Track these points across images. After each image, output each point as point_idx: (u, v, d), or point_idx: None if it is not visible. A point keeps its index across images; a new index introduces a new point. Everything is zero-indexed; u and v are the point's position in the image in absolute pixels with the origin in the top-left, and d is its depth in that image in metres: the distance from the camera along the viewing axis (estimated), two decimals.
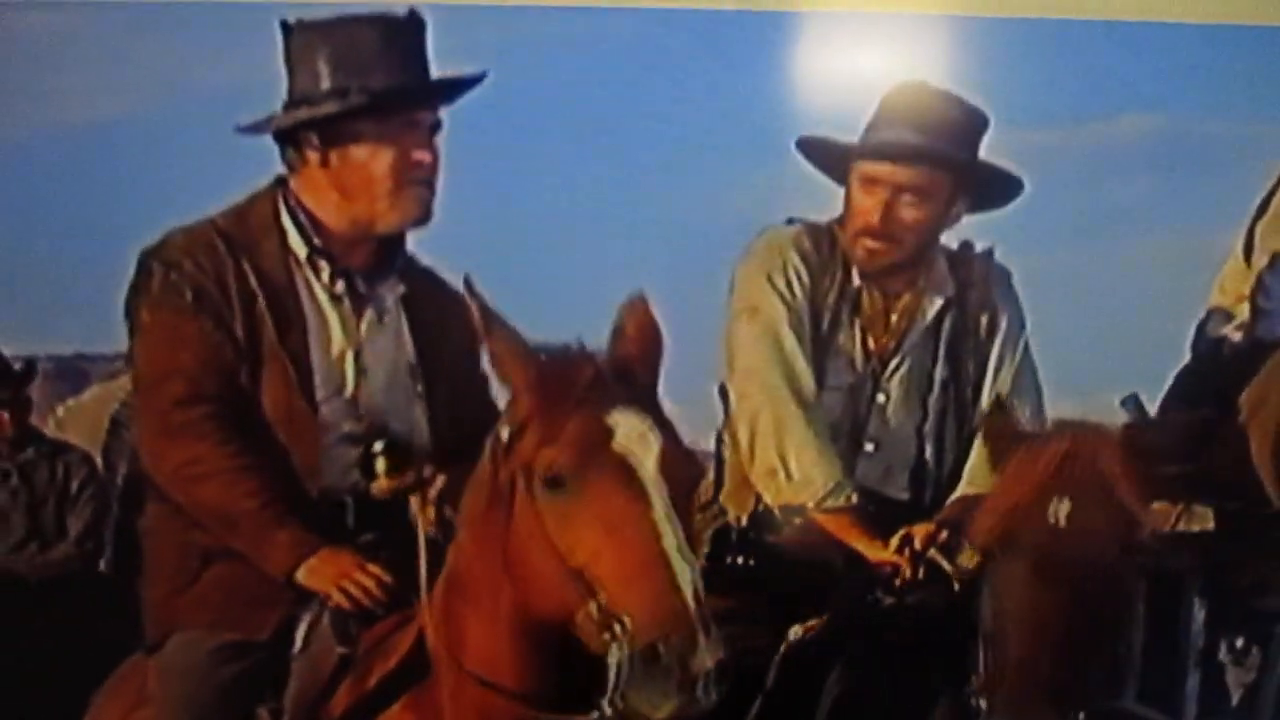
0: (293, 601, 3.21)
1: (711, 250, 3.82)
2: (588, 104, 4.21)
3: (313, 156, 3.32)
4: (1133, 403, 3.75)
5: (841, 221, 3.72)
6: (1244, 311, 4.05)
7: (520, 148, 4.14)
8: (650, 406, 2.93)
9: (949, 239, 3.76)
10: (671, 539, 2.77)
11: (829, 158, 3.74)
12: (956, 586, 3.43)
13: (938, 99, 3.69)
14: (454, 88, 3.42)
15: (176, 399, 3.23)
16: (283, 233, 3.33)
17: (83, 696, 3.54)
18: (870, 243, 3.65)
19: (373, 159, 3.30)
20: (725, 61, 4.23)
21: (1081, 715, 3.25)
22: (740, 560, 3.71)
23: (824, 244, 3.70)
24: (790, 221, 3.75)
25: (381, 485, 3.31)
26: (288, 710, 3.13)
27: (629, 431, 2.85)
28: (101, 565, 4.51)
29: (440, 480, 3.21)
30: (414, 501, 3.19)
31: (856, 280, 3.70)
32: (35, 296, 4.42)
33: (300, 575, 3.18)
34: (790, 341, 3.62)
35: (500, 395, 3.13)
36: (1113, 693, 3.61)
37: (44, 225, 4.41)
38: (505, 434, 2.91)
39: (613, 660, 2.73)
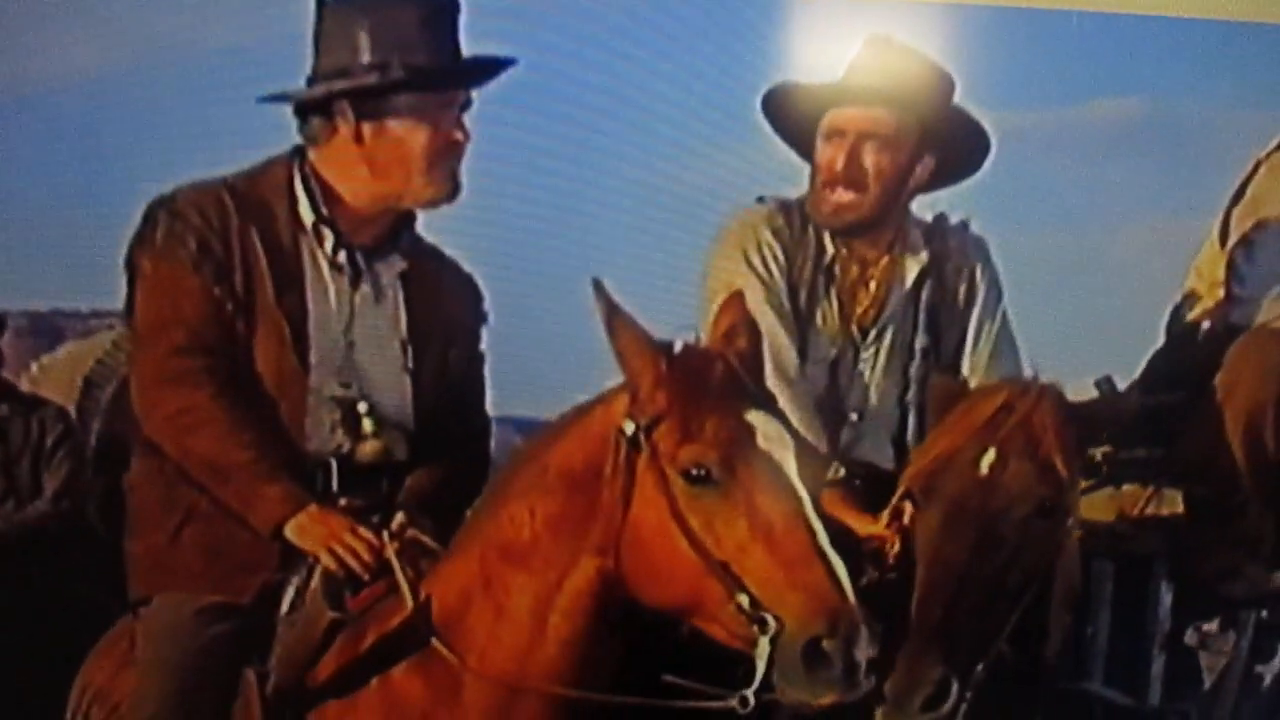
0: (275, 566, 3.21)
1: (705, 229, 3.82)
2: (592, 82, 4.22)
3: (345, 129, 3.32)
4: (1106, 385, 3.76)
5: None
6: (1219, 296, 4.07)
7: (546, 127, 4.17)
8: (775, 407, 3.00)
9: (924, 213, 3.76)
10: (824, 536, 2.82)
11: (797, 111, 3.72)
12: None
13: (904, 52, 3.70)
14: (490, 68, 3.44)
15: (176, 347, 3.25)
16: (293, 199, 3.34)
17: (58, 654, 3.54)
18: (835, 194, 3.64)
19: (410, 135, 3.31)
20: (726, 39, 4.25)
21: (980, 668, 3.17)
22: None
23: (796, 219, 3.70)
24: (761, 200, 3.75)
25: (366, 448, 3.34)
26: (274, 672, 3.13)
27: (768, 431, 2.90)
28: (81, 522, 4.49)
29: (401, 516, 3.23)
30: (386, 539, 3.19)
31: (830, 250, 3.69)
32: (10, 252, 4.40)
33: (289, 531, 3.19)
34: (770, 319, 3.60)
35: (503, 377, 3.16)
36: (1078, 674, 3.68)
37: (21, 181, 4.39)
38: (630, 428, 2.90)
39: (761, 653, 2.77)
